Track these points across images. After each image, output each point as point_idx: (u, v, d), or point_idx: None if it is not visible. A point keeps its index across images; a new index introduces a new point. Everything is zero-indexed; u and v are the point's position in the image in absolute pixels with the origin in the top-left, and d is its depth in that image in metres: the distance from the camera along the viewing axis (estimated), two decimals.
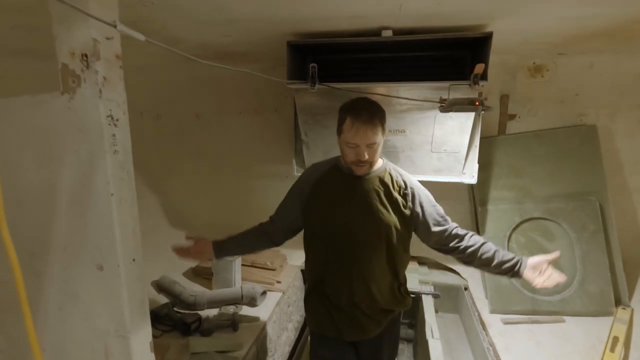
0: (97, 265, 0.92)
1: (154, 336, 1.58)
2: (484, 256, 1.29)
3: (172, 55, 1.00)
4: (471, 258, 1.31)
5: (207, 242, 1.43)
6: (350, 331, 1.34)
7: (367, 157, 1.20)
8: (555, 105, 2.10)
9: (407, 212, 1.30)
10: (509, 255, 1.30)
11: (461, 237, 1.33)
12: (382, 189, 1.29)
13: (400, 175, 1.35)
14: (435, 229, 1.32)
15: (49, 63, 0.88)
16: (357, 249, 1.28)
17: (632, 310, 1.87)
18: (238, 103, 2.53)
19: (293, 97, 1.85)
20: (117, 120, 0.90)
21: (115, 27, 0.73)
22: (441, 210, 1.35)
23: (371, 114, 1.18)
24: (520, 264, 1.28)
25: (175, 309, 1.80)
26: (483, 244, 1.31)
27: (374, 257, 1.29)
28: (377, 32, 1.51)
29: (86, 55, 0.84)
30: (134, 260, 0.96)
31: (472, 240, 1.32)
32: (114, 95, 0.89)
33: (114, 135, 0.89)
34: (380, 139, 1.21)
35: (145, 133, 2.68)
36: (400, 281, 1.39)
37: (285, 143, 2.39)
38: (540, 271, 1.27)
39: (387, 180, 1.30)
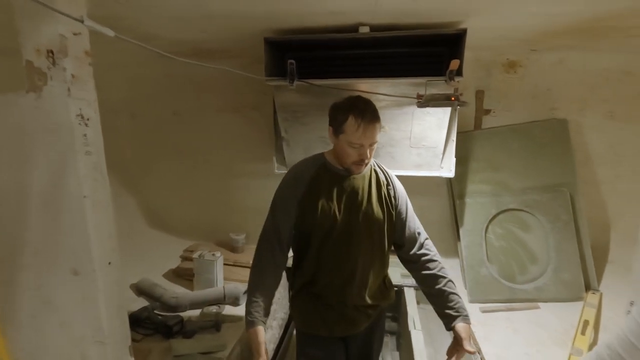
0: (71, 270, 0.89)
1: (134, 340, 1.57)
2: (437, 286, 1.29)
3: (148, 52, 0.97)
4: (425, 278, 1.32)
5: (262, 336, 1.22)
6: (340, 327, 1.32)
7: (369, 155, 1.20)
8: (528, 100, 2.17)
9: (393, 208, 1.33)
10: (454, 303, 1.27)
11: (430, 252, 1.34)
12: (372, 186, 1.30)
13: (383, 171, 1.36)
14: (409, 230, 1.35)
15: (14, 60, 0.84)
16: (352, 247, 1.27)
17: (601, 294, 1.97)
18: (217, 101, 2.49)
19: (273, 94, 1.84)
20: (88, 119, 0.88)
21: (82, 22, 0.71)
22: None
23: (373, 112, 1.18)
24: (456, 319, 1.25)
25: (156, 311, 1.76)
26: (444, 277, 1.30)
27: (367, 255, 1.30)
28: (354, 29, 1.52)
29: (52, 52, 0.81)
30: (110, 263, 0.94)
31: (438, 262, 1.33)
32: (83, 94, 0.86)
33: (85, 135, 0.86)
34: (379, 137, 1.22)
35: (121, 132, 2.60)
36: (386, 276, 1.41)
37: (266, 141, 2.37)
38: (460, 345, 1.23)
39: (374, 177, 1.32)
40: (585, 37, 1.73)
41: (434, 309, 1.33)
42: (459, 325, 1.24)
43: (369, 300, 1.34)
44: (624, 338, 0.73)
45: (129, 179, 2.66)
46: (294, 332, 1.47)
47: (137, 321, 1.66)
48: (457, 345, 1.24)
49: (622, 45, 1.87)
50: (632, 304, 0.81)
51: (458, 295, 1.30)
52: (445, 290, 1.28)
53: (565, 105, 2.14)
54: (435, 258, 1.34)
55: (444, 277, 1.30)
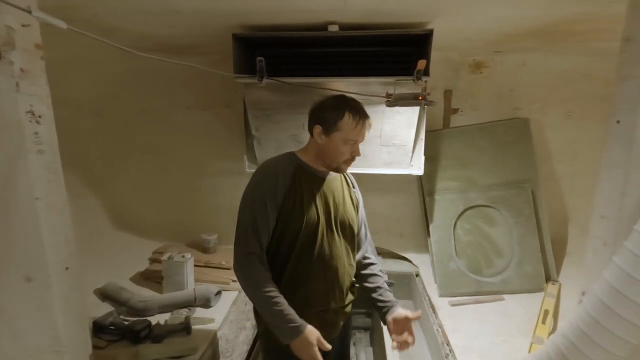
0: (24, 276, 0.84)
1: (98, 347, 1.51)
2: (371, 285, 1.38)
3: (111, 47, 0.93)
4: (363, 277, 1.40)
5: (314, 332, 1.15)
6: (322, 334, 1.19)
7: (359, 152, 1.22)
8: (493, 99, 2.25)
9: (357, 208, 1.37)
10: (387, 297, 1.34)
11: (370, 257, 1.42)
12: (343, 187, 1.32)
13: (347, 173, 1.39)
14: (362, 230, 1.40)
15: None
16: (334, 249, 1.25)
17: (560, 284, 2.08)
18: (186, 98, 2.42)
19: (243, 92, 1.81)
20: (39, 116, 0.82)
21: (30, 12, 0.66)
22: None
23: (364, 109, 1.21)
24: (387, 311, 1.31)
25: (122, 316, 1.70)
26: (376, 275, 1.39)
27: (346, 255, 1.31)
28: (323, 27, 1.52)
29: None
30: (67, 268, 0.89)
31: (375, 265, 1.42)
32: (34, 89, 0.81)
33: (36, 133, 0.81)
34: None
35: (84, 131, 2.47)
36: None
37: (237, 139, 2.32)
38: (401, 327, 1.28)
39: (343, 179, 1.34)
40: (546, 40, 1.81)
41: (372, 303, 1.38)
42: (390, 316, 1.30)
43: (346, 301, 1.35)
44: (576, 326, 0.78)
45: (94, 179, 2.54)
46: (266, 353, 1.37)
47: (101, 328, 1.59)
48: (403, 324, 1.29)
49: (580, 48, 1.97)
50: (583, 294, 0.86)
51: (391, 292, 1.38)
52: (382, 287, 1.36)
53: (527, 105, 2.24)
54: (374, 261, 1.42)
55: (380, 277, 1.39)
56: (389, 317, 1.30)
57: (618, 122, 0.76)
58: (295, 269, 1.23)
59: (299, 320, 1.12)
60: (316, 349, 1.10)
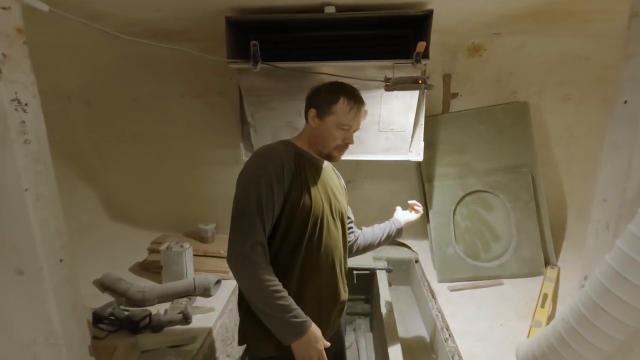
0: (15, 269, 0.82)
1: (98, 338, 1.50)
2: (368, 241, 1.48)
3: (101, 32, 0.89)
4: (358, 249, 1.47)
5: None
6: (325, 335, 1.16)
7: (353, 140, 1.20)
8: (492, 83, 2.22)
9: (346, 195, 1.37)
10: (384, 227, 1.50)
11: (354, 233, 1.45)
12: (335, 175, 1.32)
13: None
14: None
15: None
16: (337, 240, 1.23)
17: (559, 268, 2.09)
18: (180, 86, 2.37)
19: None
20: (25, 104, 0.79)
21: None
22: None
23: (361, 97, 1.19)
24: (396, 230, 1.50)
25: (121, 307, 1.69)
26: (360, 234, 1.47)
27: (344, 245, 1.29)
28: (319, 9, 1.47)
29: None
30: (61, 260, 0.87)
31: (358, 233, 1.47)
32: (18, 76, 0.77)
33: (23, 122, 0.78)
34: None
35: (76, 120, 2.42)
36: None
37: (232, 127, 2.29)
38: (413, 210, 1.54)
39: (332, 167, 1.34)
40: (545, 21, 1.77)
41: (382, 241, 1.50)
42: (400, 220, 1.52)
43: (343, 297, 1.31)
44: (577, 310, 0.77)
45: (87, 170, 2.50)
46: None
47: (100, 318, 1.59)
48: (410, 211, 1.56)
49: (579, 30, 1.93)
50: (586, 278, 0.85)
51: (375, 228, 1.50)
52: (373, 230, 1.49)
53: (525, 89, 2.21)
54: (356, 234, 1.47)
55: (364, 232, 1.49)
56: (402, 226, 1.51)
57: (625, 102, 0.73)
58: (305, 262, 1.14)
59: (305, 316, 1.06)
60: (322, 345, 1.07)
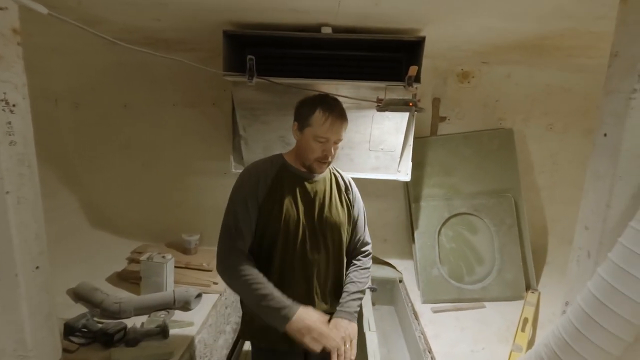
0: None
1: (68, 351, 1.43)
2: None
3: (95, 37, 0.89)
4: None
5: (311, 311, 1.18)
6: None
7: (333, 152, 1.20)
8: (479, 109, 2.29)
9: (351, 211, 1.34)
10: (342, 304, 1.28)
11: (357, 262, 1.37)
12: (333, 190, 1.30)
13: (341, 174, 1.38)
14: (354, 237, 1.37)
15: None
16: (317, 253, 1.24)
17: (539, 293, 2.12)
18: (173, 94, 2.37)
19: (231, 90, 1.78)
20: (13, 105, 0.77)
21: None
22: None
23: (342, 109, 1.19)
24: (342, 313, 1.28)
25: (95, 318, 1.62)
26: (351, 282, 1.32)
27: (330, 260, 1.28)
28: (317, 29, 1.51)
29: None
30: (37, 268, 0.84)
31: (357, 272, 1.34)
32: (9, 76, 0.76)
33: (9, 122, 0.76)
34: (343, 136, 1.22)
35: (62, 123, 2.38)
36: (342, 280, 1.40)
37: (223, 138, 2.29)
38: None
39: (334, 180, 1.32)
40: (532, 53, 1.86)
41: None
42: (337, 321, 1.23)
43: (330, 307, 1.31)
44: (560, 337, 0.78)
45: (71, 174, 2.44)
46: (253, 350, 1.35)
47: (72, 330, 1.52)
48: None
49: (563, 63, 2.03)
50: (567, 304, 0.87)
51: (354, 299, 1.30)
52: (346, 292, 1.30)
53: (511, 116, 2.29)
54: (358, 266, 1.36)
55: (353, 283, 1.32)
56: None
57: (605, 135, 0.77)
58: (280, 270, 1.22)
59: (288, 301, 1.13)
60: (316, 324, 1.12)
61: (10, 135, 0.76)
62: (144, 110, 2.40)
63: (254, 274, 1.16)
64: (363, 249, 1.40)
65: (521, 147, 2.29)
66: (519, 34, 1.52)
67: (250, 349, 1.39)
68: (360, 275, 1.34)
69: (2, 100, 0.75)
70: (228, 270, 1.18)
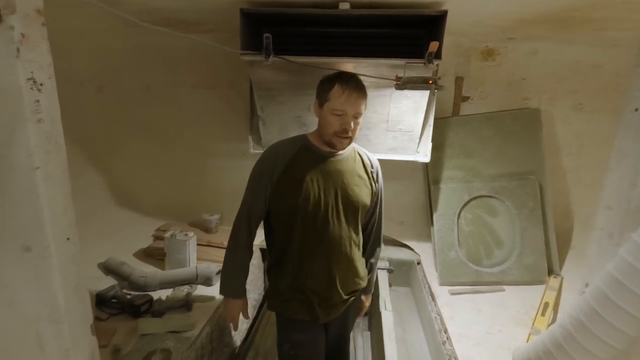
0: (22, 246, 0.84)
1: (99, 319, 1.53)
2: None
3: (116, 19, 0.91)
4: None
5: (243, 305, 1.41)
6: (324, 313, 1.33)
7: (352, 127, 1.20)
8: (503, 88, 2.20)
9: (374, 190, 1.35)
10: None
11: (372, 227, 1.43)
12: (355, 169, 1.30)
13: (366, 154, 1.38)
14: (370, 217, 1.40)
15: None
16: (337, 231, 1.26)
17: (562, 278, 2.07)
18: (192, 76, 2.40)
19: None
20: (41, 84, 0.81)
21: None
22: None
23: (359, 83, 1.20)
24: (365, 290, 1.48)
25: (124, 290, 1.72)
26: (370, 254, 1.47)
27: (351, 238, 1.31)
28: (334, 4, 1.47)
29: None
30: (68, 239, 0.89)
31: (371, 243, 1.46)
32: (35, 56, 0.79)
33: (37, 101, 0.80)
34: (363, 111, 1.22)
35: (87, 105, 2.46)
36: (361, 258, 1.42)
37: (241, 120, 2.31)
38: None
39: (358, 160, 1.33)
40: (560, 27, 1.75)
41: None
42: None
43: (352, 284, 1.36)
44: (576, 317, 0.77)
45: (96, 155, 2.54)
46: (266, 313, 1.47)
47: (103, 300, 1.62)
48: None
49: (593, 38, 1.91)
50: (586, 285, 0.85)
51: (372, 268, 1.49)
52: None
53: (537, 95, 2.19)
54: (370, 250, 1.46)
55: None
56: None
57: (637, 109, 0.73)
58: (300, 245, 1.27)
59: (235, 288, 1.35)
60: (237, 320, 1.37)
61: (38, 113, 0.80)
62: (165, 92, 2.45)
63: (238, 247, 1.32)
64: (376, 235, 1.45)
65: (547, 128, 2.19)
66: (546, 4, 1.43)
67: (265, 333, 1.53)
68: (377, 255, 1.49)
69: (29, 79, 0.78)
70: (229, 244, 1.35)
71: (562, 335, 0.79)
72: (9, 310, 0.86)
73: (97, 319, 1.52)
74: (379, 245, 1.49)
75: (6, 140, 0.78)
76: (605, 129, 2.15)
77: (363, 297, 1.51)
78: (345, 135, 1.20)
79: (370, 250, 1.46)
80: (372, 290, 1.54)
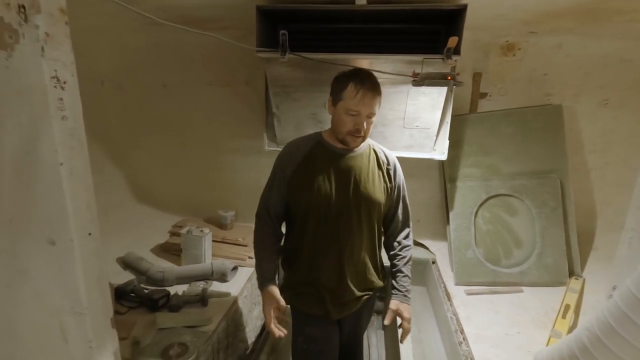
0: (47, 239, 0.86)
1: (119, 313, 1.57)
2: (395, 264, 1.42)
3: (134, 18, 0.92)
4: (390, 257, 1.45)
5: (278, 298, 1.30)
6: (337, 310, 1.33)
7: (365, 127, 1.19)
8: (524, 84, 2.14)
9: (390, 188, 1.33)
10: (402, 282, 1.39)
11: (399, 230, 1.41)
12: (369, 166, 1.29)
13: (383, 151, 1.36)
14: (393, 215, 1.38)
15: None
16: (350, 228, 1.26)
17: (584, 280, 2.01)
18: (207, 74, 2.41)
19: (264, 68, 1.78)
20: (64, 82, 0.82)
21: None
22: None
23: (374, 83, 1.18)
24: (394, 295, 1.39)
25: (142, 285, 1.75)
26: (403, 257, 1.41)
27: (364, 235, 1.30)
28: (351, 0, 1.46)
29: (24, 7, 0.75)
30: (90, 234, 0.91)
31: (404, 242, 1.42)
32: (59, 55, 0.81)
33: (61, 99, 0.81)
34: (377, 111, 1.21)
35: (108, 103, 2.51)
36: (380, 257, 1.42)
37: (257, 117, 2.31)
38: (399, 318, 1.38)
39: (373, 157, 1.31)
40: (586, 20, 1.69)
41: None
42: (392, 302, 1.38)
43: (366, 283, 1.35)
44: (604, 320, 0.74)
45: (116, 152, 2.59)
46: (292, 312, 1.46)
47: (122, 294, 1.66)
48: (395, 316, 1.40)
49: (622, 30, 1.83)
50: (614, 288, 0.82)
51: (403, 271, 1.41)
52: (395, 272, 1.42)
53: (560, 91, 2.12)
54: (400, 253, 1.41)
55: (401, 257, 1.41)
56: (391, 302, 1.38)
57: None
58: (312, 241, 1.28)
59: (265, 278, 1.30)
60: (271, 308, 1.27)
61: (62, 110, 0.82)
62: (181, 90, 2.48)
63: (263, 243, 1.33)
64: (400, 230, 1.42)
65: (570, 125, 2.12)
66: None
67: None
68: (407, 254, 1.43)
69: (53, 78, 0.80)
70: (254, 230, 1.36)
71: (589, 339, 0.76)
72: (35, 301, 0.89)
73: (116, 312, 1.55)
74: (408, 246, 1.42)
75: (32, 137, 0.80)
76: (634, 125, 2.07)
77: (396, 306, 1.35)
78: (358, 135, 1.20)
79: (397, 252, 1.41)
80: (408, 299, 1.37)
